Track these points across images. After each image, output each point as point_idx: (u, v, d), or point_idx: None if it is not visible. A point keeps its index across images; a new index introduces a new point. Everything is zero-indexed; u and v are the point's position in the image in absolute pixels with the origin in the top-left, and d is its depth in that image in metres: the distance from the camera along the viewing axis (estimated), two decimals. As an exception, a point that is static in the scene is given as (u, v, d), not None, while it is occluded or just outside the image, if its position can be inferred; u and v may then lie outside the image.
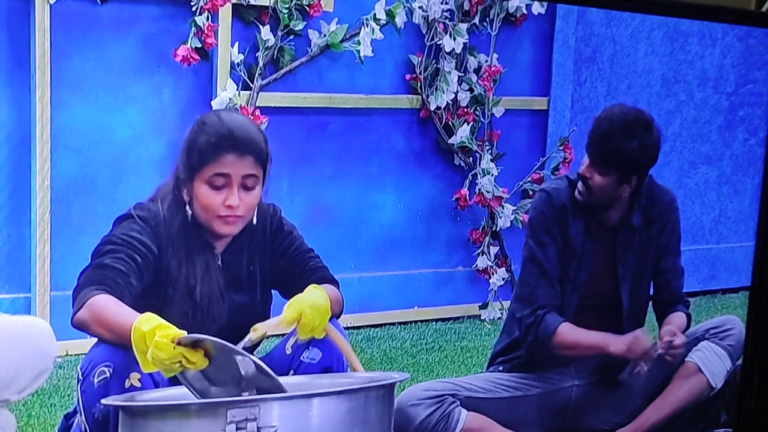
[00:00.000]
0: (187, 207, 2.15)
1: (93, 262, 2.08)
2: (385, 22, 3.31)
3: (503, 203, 3.60)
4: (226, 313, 2.18)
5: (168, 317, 2.03)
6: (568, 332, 2.50)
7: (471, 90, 3.53)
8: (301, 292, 2.19)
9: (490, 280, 3.62)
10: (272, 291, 2.31)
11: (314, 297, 2.13)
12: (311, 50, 3.26)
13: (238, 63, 3.12)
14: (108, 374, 1.98)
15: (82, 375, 2.00)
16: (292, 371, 2.19)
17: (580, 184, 2.51)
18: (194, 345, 1.90)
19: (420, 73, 3.45)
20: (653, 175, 2.61)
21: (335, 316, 2.21)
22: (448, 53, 3.46)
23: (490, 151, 3.59)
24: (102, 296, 2.00)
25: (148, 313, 1.95)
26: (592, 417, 2.62)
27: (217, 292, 2.18)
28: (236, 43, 3.11)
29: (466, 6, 3.48)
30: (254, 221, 2.20)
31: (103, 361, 1.98)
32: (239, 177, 2.12)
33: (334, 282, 2.29)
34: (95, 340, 2.07)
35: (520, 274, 2.62)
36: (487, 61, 3.54)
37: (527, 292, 2.55)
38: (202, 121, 2.16)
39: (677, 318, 2.62)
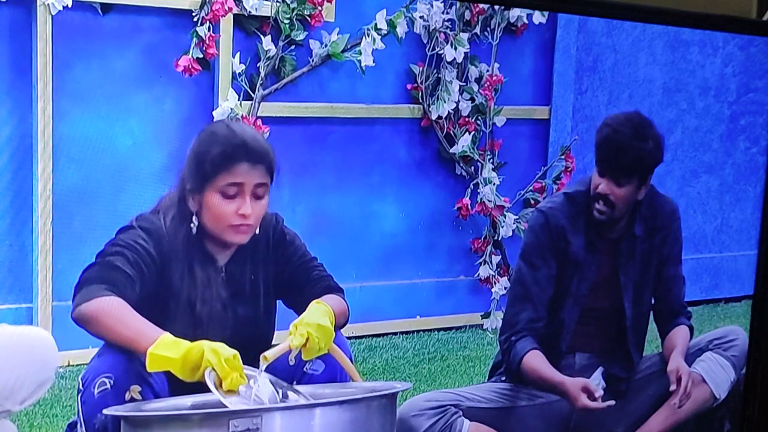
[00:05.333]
0: (194, 218, 2.15)
1: (101, 260, 2.08)
2: (386, 32, 3.31)
3: (505, 212, 3.60)
4: (231, 325, 2.18)
5: (172, 330, 2.03)
6: (531, 364, 2.48)
7: (472, 99, 3.54)
8: (306, 301, 2.19)
9: (493, 290, 3.61)
10: (276, 301, 2.31)
11: (319, 319, 2.12)
12: (313, 60, 3.27)
13: (239, 73, 3.12)
14: (108, 385, 1.98)
15: (82, 385, 2.00)
16: (295, 382, 2.19)
17: (600, 204, 2.49)
18: None
19: (421, 83, 3.46)
20: (655, 185, 2.61)
21: (340, 327, 2.21)
22: (450, 63, 3.47)
23: (491, 160, 3.59)
24: (115, 298, 2.01)
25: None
26: (595, 428, 2.61)
27: (222, 305, 2.18)
28: (238, 54, 3.11)
29: (467, 16, 3.48)
30: (257, 231, 2.20)
31: (104, 372, 1.99)
32: (251, 186, 2.14)
33: (338, 290, 2.28)
34: (97, 350, 2.07)
35: (507, 295, 2.62)
36: (488, 70, 3.54)
37: (510, 315, 2.55)
38: (211, 131, 2.17)
39: (680, 336, 2.61)
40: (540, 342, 2.55)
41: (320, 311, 2.14)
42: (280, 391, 2.08)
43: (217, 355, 1.95)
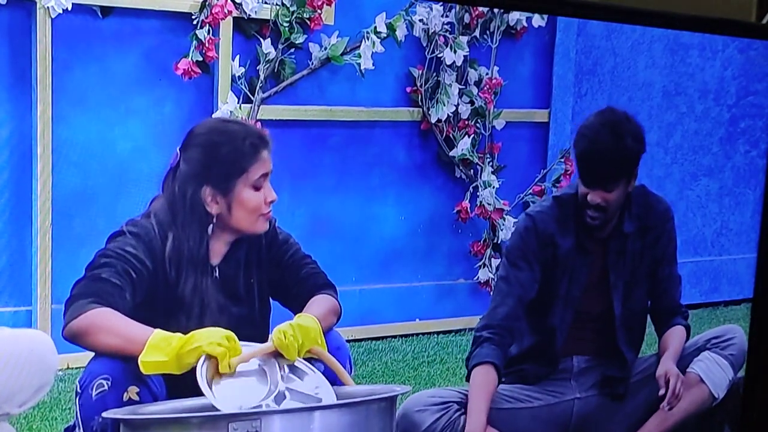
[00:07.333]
0: (213, 220, 2.15)
1: (88, 274, 2.09)
2: (385, 35, 3.32)
3: (504, 215, 3.60)
4: (226, 326, 2.17)
5: (168, 331, 2.03)
6: (471, 381, 2.45)
7: (472, 102, 3.54)
8: (298, 298, 2.21)
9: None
10: (270, 301, 2.31)
11: (299, 319, 2.13)
12: (312, 63, 3.27)
13: (239, 76, 3.12)
14: (106, 387, 1.98)
15: (80, 388, 2.00)
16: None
17: (591, 211, 2.48)
18: None
19: (421, 86, 3.46)
20: (654, 188, 2.61)
21: (332, 325, 2.21)
22: (449, 66, 3.47)
23: (491, 163, 3.59)
24: (103, 309, 2.01)
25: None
26: (595, 430, 2.61)
27: (216, 305, 2.18)
28: (237, 57, 3.12)
29: (467, 19, 3.48)
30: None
31: (101, 374, 1.99)
32: (269, 172, 2.17)
33: (331, 287, 2.28)
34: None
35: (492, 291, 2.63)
36: (487, 73, 3.54)
37: (489, 310, 2.56)
38: (219, 130, 2.17)
39: (674, 338, 2.60)
40: (532, 348, 2.56)
41: (303, 317, 2.15)
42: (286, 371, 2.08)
43: (210, 337, 1.96)
